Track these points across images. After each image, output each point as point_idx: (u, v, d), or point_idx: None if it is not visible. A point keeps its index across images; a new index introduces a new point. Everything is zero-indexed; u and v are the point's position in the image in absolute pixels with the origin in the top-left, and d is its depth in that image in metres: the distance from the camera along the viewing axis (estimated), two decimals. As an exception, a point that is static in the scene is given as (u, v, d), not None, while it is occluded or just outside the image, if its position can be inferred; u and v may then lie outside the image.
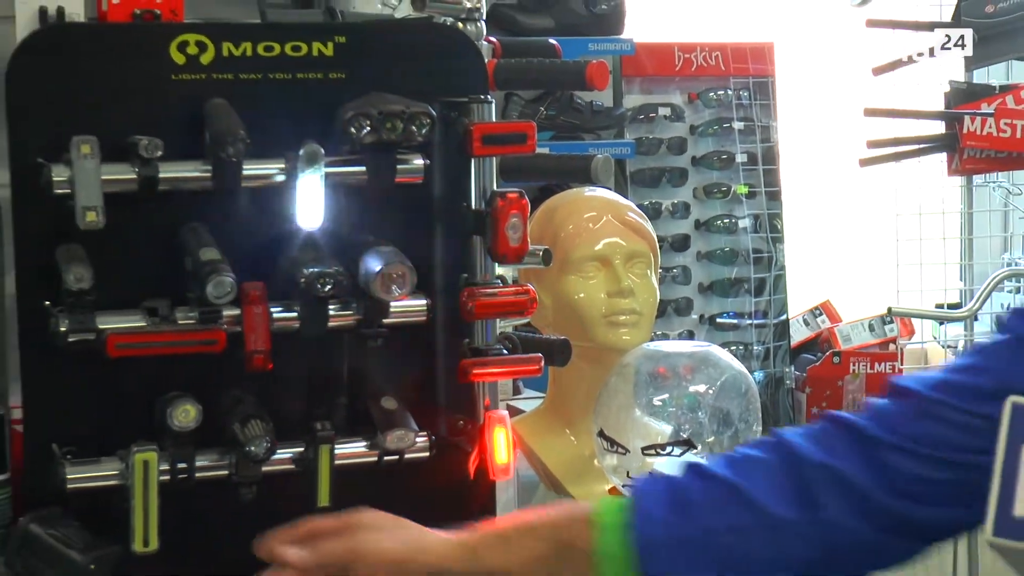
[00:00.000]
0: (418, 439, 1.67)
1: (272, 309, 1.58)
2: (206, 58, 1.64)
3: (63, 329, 1.52)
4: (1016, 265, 4.07)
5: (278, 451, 1.60)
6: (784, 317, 4.26)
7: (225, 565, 1.54)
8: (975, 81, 3.98)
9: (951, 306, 3.95)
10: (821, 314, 4.34)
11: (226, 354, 1.56)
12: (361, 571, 1.36)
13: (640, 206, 2.39)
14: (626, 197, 2.47)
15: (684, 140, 4.22)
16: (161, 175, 1.56)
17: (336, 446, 1.64)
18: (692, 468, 1.34)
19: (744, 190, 4.24)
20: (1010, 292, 4.08)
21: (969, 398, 1.23)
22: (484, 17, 2.07)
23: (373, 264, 1.58)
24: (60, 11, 1.77)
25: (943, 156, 3.81)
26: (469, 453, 1.73)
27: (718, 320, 4.25)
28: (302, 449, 1.64)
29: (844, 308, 4.33)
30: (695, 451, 1.93)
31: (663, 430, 1.96)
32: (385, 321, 1.64)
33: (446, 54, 1.75)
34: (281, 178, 1.61)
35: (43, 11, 1.77)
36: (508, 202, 1.66)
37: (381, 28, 1.88)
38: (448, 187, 1.72)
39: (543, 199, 2.33)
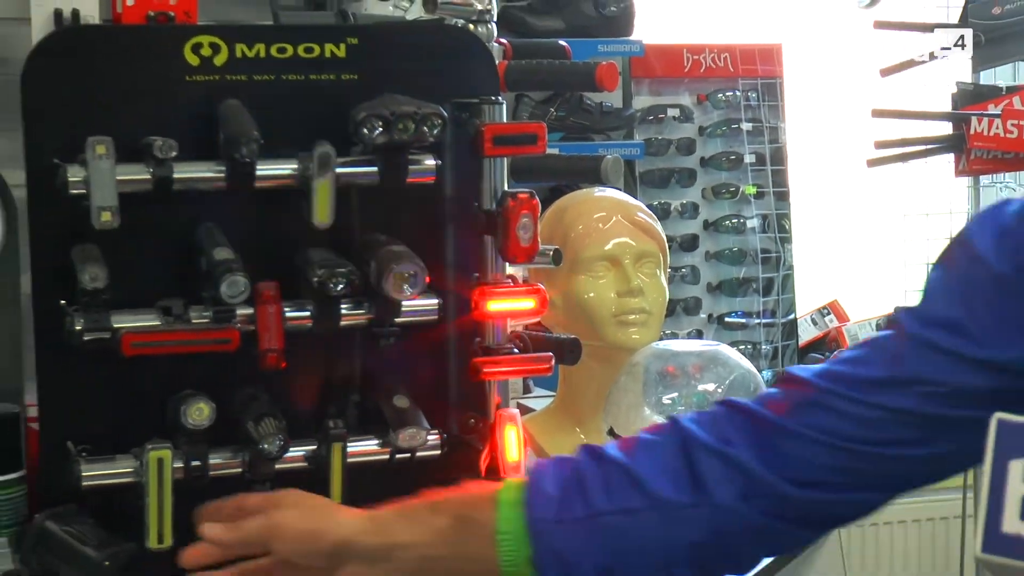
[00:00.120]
0: (430, 437, 1.67)
1: (285, 308, 1.58)
2: (220, 59, 1.64)
3: (78, 328, 1.52)
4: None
5: (291, 449, 1.60)
6: (792, 316, 4.25)
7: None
8: (982, 82, 3.98)
9: (958, 305, 3.94)
10: (829, 313, 4.33)
11: (240, 353, 1.56)
12: (276, 546, 1.37)
13: (649, 206, 2.39)
14: (635, 197, 2.47)
15: (693, 141, 4.22)
16: (175, 175, 1.56)
17: (348, 444, 1.64)
18: (587, 450, 1.34)
19: (752, 190, 4.24)
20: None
21: (858, 388, 1.25)
22: (495, 19, 2.07)
23: (385, 264, 1.58)
24: (75, 13, 1.78)
25: (950, 157, 3.80)
26: (480, 451, 1.73)
27: (726, 319, 4.24)
28: (315, 447, 1.64)
29: (852, 308, 4.33)
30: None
31: (672, 428, 1.96)
32: (397, 320, 1.64)
33: (457, 55, 1.75)
34: (294, 178, 1.61)
35: (58, 13, 1.78)
36: (519, 202, 1.66)
37: (393, 30, 1.88)
38: (459, 187, 1.72)
39: (553, 199, 2.33)
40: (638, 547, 1.29)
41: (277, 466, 1.60)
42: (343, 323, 1.62)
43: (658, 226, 2.33)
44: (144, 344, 1.53)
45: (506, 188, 1.71)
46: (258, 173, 1.58)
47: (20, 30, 1.82)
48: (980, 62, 3.89)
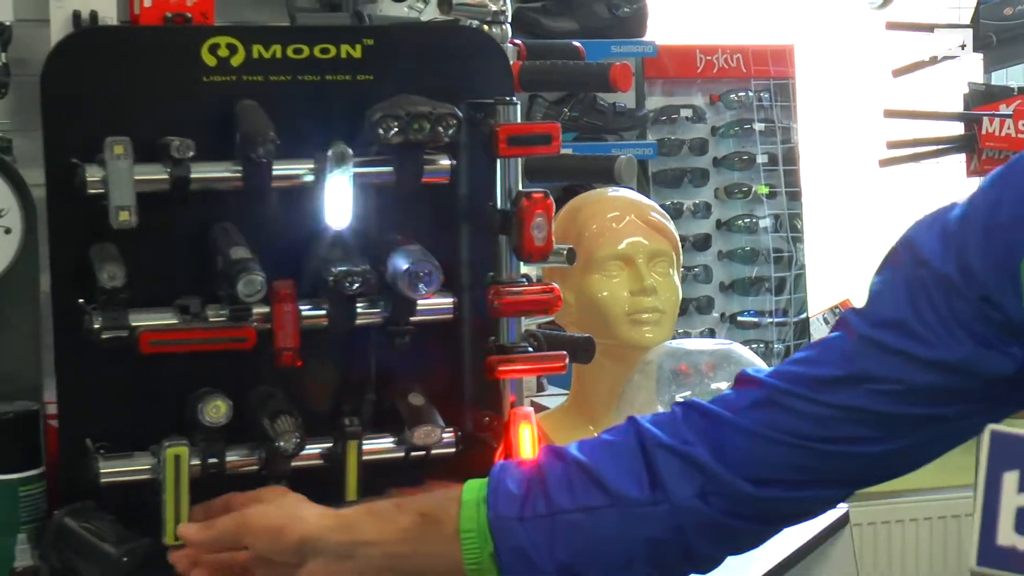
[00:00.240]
0: (445, 435, 1.68)
1: (301, 307, 1.58)
2: (236, 60, 1.64)
3: (97, 326, 1.52)
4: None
5: (307, 446, 1.60)
6: (804, 315, 4.25)
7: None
8: (993, 83, 3.97)
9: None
10: (840, 312, 4.32)
11: (256, 351, 1.57)
12: (247, 542, 1.40)
13: (662, 206, 2.39)
14: (648, 197, 2.46)
15: (705, 141, 4.22)
16: (193, 175, 1.56)
17: (364, 441, 1.64)
18: (550, 450, 1.36)
19: (765, 190, 4.23)
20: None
21: (811, 387, 1.26)
22: (509, 20, 2.07)
23: (400, 263, 1.58)
24: (93, 15, 1.78)
25: (962, 157, 3.80)
26: (495, 449, 1.73)
27: (739, 318, 4.24)
28: (330, 444, 1.64)
29: (863, 307, 4.31)
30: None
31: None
32: (412, 319, 1.64)
33: (472, 56, 1.75)
34: (310, 178, 1.61)
35: (77, 15, 1.78)
36: (533, 202, 1.66)
37: (408, 31, 1.88)
38: (474, 187, 1.72)
39: (567, 199, 2.33)
40: (598, 544, 1.31)
41: (293, 463, 1.60)
42: (359, 322, 1.62)
43: (671, 225, 2.33)
44: (162, 342, 1.54)
45: (520, 188, 1.71)
46: (274, 173, 1.58)
47: (39, 31, 1.82)
48: (992, 63, 3.89)
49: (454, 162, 1.68)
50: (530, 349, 1.72)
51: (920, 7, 4.09)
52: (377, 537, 1.35)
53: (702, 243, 4.21)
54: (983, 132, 3.66)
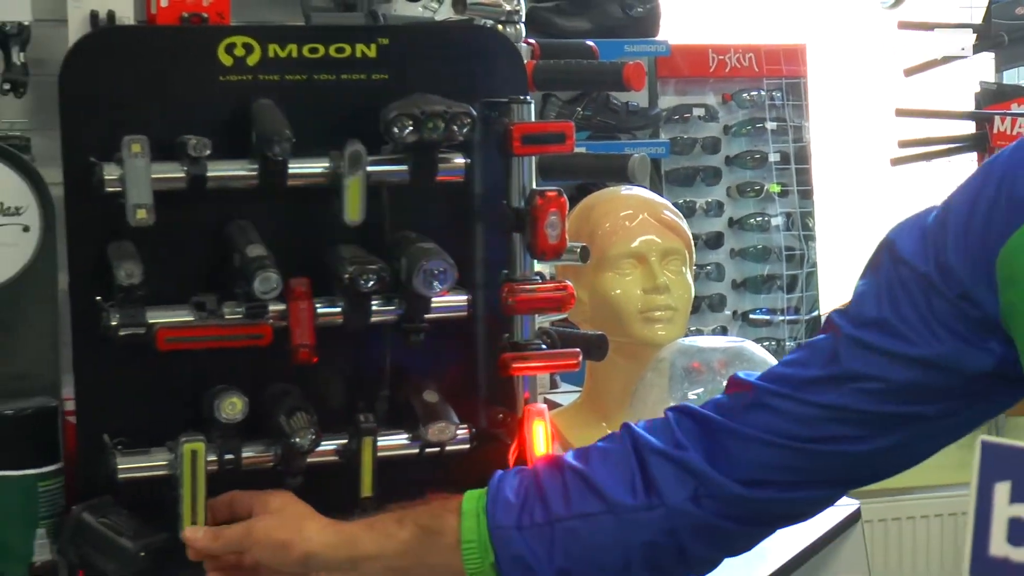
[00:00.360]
0: (459, 431, 1.67)
1: (317, 304, 1.58)
2: (253, 60, 1.64)
3: (114, 323, 1.52)
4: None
5: (322, 443, 1.60)
6: (816, 313, 4.24)
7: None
8: (1005, 82, 3.96)
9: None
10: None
11: (272, 348, 1.56)
12: (253, 553, 1.43)
13: (675, 204, 2.39)
14: (661, 196, 2.46)
15: (718, 140, 4.22)
16: (209, 174, 1.56)
17: (379, 438, 1.64)
18: (546, 459, 1.41)
19: (777, 189, 4.23)
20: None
21: (797, 387, 1.28)
22: (523, 20, 2.07)
23: (415, 261, 1.58)
24: (111, 15, 1.78)
25: (973, 156, 3.79)
26: (509, 445, 1.72)
27: (751, 316, 4.24)
28: (346, 441, 1.64)
29: (875, 305, 4.31)
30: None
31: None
32: (427, 316, 1.64)
33: (486, 56, 1.74)
34: (326, 177, 1.61)
35: (94, 15, 1.78)
36: (547, 200, 1.65)
37: (423, 30, 1.88)
38: (488, 185, 1.72)
39: (580, 198, 2.33)
40: (596, 550, 1.33)
41: (308, 460, 1.60)
42: (373, 319, 1.62)
43: (684, 224, 2.32)
44: (178, 339, 1.54)
45: (534, 186, 1.71)
46: (290, 171, 1.58)
47: (57, 31, 1.82)
48: (1003, 62, 3.88)
49: (468, 161, 1.68)
50: (544, 346, 1.72)
51: (932, 7, 4.08)
52: (379, 551, 1.38)
53: (714, 241, 4.21)
54: (994, 131, 3.65)
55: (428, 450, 1.66)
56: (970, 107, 3.92)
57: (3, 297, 1.69)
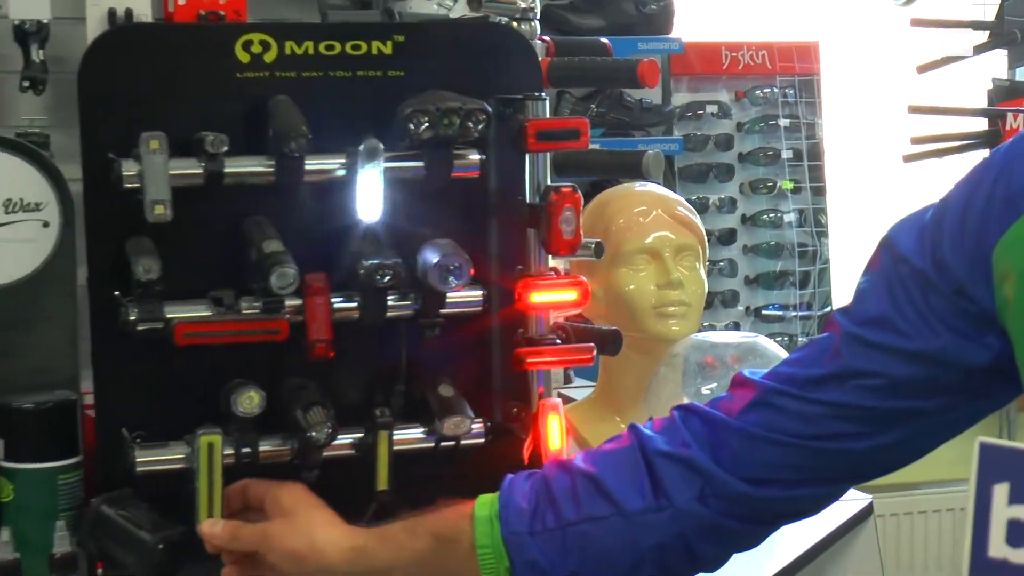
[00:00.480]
0: (474, 425, 1.67)
1: (333, 299, 1.58)
2: (270, 57, 1.64)
3: (133, 318, 1.52)
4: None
5: (339, 437, 1.60)
6: (828, 309, 4.24)
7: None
8: (1018, 79, 3.95)
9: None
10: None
11: (289, 343, 1.56)
12: (268, 557, 1.44)
13: (688, 201, 2.38)
14: (674, 192, 2.46)
15: (731, 137, 4.21)
16: (226, 170, 1.56)
17: (395, 432, 1.64)
18: (555, 463, 1.40)
19: (789, 185, 4.23)
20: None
21: (800, 386, 1.29)
22: (538, 17, 2.07)
23: (430, 256, 1.58)
24: (128, 13, 1.78)
25: (986, 152, 3.76)
26: (523, 439, 1.72)
27: (763, 312, 4.24)
28: (362, 435, 1.64)
29: (887, 301, 4.30)
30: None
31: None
32: (442, 311, 1.63)
33: (501, 53, 1.74)
34: (342, 173, 1.61)
35: (112, 13, 1.78)
36: (562, 196, 1.65)
37: (438, 27, 1.88)
38: (503, 181, 1.71)
39: (594, 194, 2.32)
40: (607, 552, 1.33)
41: (325, 453, 1.60)
42: (389, 314, 1.62)
43: (697, 220, 2.32)
44: (196, 334, 1.54)
45: (549, 182, 1.71)
46: (307, 167, 1.58)
47: (76, 29, 1.82)
48: (1016, 59, 3.87)
49: (483, 157, 1.67)
50: (558, 341, 1.72)
51: (945, 4, 4.07)
52: (394, 563, 1.39)
53: (727, 237, 4.21)
54: (1007, 128, 3.64)
55: (444, 444, 1.66)
56: (983, 104, 3.91)
57: (23, 292, 1.69)
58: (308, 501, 1.48)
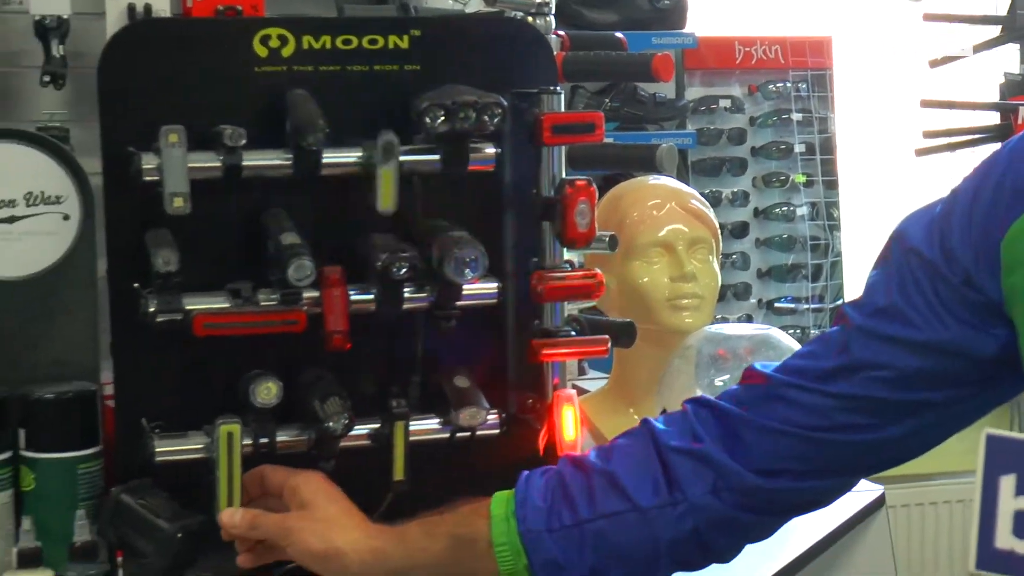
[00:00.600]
0: (489, 416, 1.67)
1: (350, 291, 1.58)
2: (287, 51, 1.64)
3: (152, 310, 1.53)
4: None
5: (355, 427, 1.60)
6: (840, 302, 4.23)
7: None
8: (1029, 73, 3.93)
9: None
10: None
11: (306, 334, 1.56)
12: (288, 551, 1.45)
13: (701, 194, 2.38)
14: (688, 185, 2.45)
15: (744, 131, 4.20)
16: (244, 163, 1.56)
17: (411, 423, 1.64)
18: (569, 460, 1.40)
19: (802, 179, 4.22)
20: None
21: (810, 378, 1.29)
22: (552, 12, 2.06)
23: (447, 248, 1.58)
24: (147, 8, 1.79)
25: (997, 146, 3.76)
26: (538, 430, 1.72)
27: (776, 305, 4.23)
28: (378, 425, 1.64)
29: (899, 294, 4.29)
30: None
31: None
32: (458, 303, 1.63)
33: (517, 47, 1.74)
34: (359, 166, 1.61)
35: (131, 8, 1.79)
36: (577, 189, 1.65)
37: (454, 22, 1.88)
38: (519, 175, 1.71)
39: (607, 188, 2.32)
40: (622, 547, 1.34)
41: (341, 444, 1.60)
42: (406, 306, 1.62)
43: (711, 213, 2.31)
44: (215, 325, 1.54)
45: (564, 175, 1.71)
46: (324, 161, 1.58)
47: (95, 24, 1.83)
48: (1027, 53, 3.85)
49: (499, 150, 1.67)
50: (573, 333, 1.72)
51: (957, -1, 4.06)
52: (413, 565, 1.40)
53: (740, 231, 4.20)
54: (1019, 121, 3.63)
55: (459, 434, 1.66)
56: (995, 98, 3.89)
57: (44, 284, 1.70)
58: (327, 493, 1.48)
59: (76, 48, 1.85)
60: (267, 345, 1.58)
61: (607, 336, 1.74)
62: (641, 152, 2.26)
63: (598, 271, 1.71)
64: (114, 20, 1.78)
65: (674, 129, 3.85)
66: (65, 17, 1.83)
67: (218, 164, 1.55)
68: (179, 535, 1.51)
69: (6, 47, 1.95)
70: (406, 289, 1.61)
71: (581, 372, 2.85)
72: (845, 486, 1.38)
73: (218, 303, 1.55)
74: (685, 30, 3.78)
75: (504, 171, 1.70)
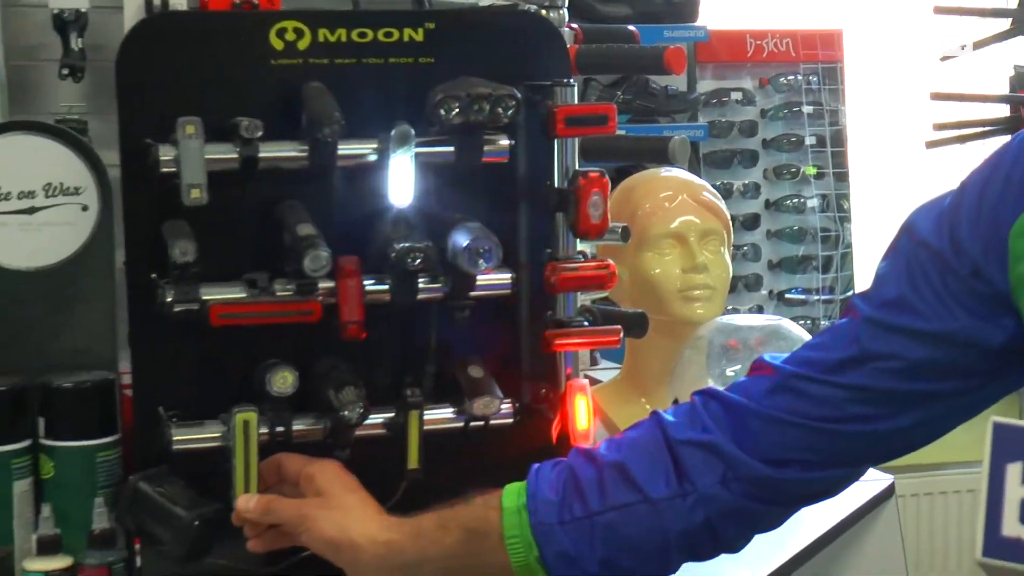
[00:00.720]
0: (503, 406, 1.67)
1: (365, 282, 1.58)
2: (303, 44, 1.64)
3: (169, 300, 1.53)
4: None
5: (370, 416, 1.60)
6: (850, 293, 4.22)
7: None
8: (1039, 66, 3.92)
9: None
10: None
11: (322, 324, 1.57)
12: (303, 538, 1.46)
13: (712, 186, 2.37)
14: (699, 177, 2.45)
15: (755, 123, 4.20)
16: (261, 155, 1.56)
17: (425, 412, 1.64)
18: (580, 452, 1.40)
19: (813, 171, 4.21)
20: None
21: (819, 369, 1.29)
22: (566, 5, 2.06)
23: (461, 239, 1.58)
24: (165, 2, 1.79)
25: (1007, 139, 3.75)
26: (551, 419, 1.72)
27: (787, 296, 4.23)
28: (393, 414, 1.64)
29: (909, 285, 4.28)
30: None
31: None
32: (472, 294, 1.63)
33: (530, 40, 1.73)
34: (374, 158, 1.61)
35: (149, 2, 1.79)
36: (590, 181, 1.65)
37: (469, 15, 1.87)
38: (532, 166, 1.71)
39: (620, 180, 2.32)
40: (633, 539, 1.34)
41: (356, 433, 1.60)
42: (420, 296, 1.62)
43: (722, 205, 2.31)
44: (231, 315, 1.54)
45: (577, 167, 1.70)
46: (340, 152, 1.58)
47: (113, 18, 1.83)
48: (1038, 46, 3.83)
49: (513, 142, 1.67)
50: (586, 324, 1.72)
51: (967, -8, 4.04)
52: (426, 558, 1.40)
53: (751, 222, 4.19)
54: (1029, 114, 3.62)
55: (473, 424, 1.66)
56: (1004, 91, 3.88)
57: (63, 274, 1.70)
58: (343, 482, 1.49)
59: (94, 41, 1.85)
60: (283, 335, 1.58)
61: (619, 327, 1.74)
62: (654, 144, 2.26)
63: (611, 262, 1.71)
64: (132, 14, 1.78)
65: (686, 121, 3.84)
66: (83, 11, 1.84)
67: (235, 156, 1.55)
68: (196, 523, 1.51)
69: (25, 41, 1.96)
70: (420, 280, 1.61)
71: (593, 362, 2.85)
72: (853, 476, 1.38)
73: (234, 293, 1.56)
74: (697, 23, 3.77)
75: (518, 163, 1.70)
